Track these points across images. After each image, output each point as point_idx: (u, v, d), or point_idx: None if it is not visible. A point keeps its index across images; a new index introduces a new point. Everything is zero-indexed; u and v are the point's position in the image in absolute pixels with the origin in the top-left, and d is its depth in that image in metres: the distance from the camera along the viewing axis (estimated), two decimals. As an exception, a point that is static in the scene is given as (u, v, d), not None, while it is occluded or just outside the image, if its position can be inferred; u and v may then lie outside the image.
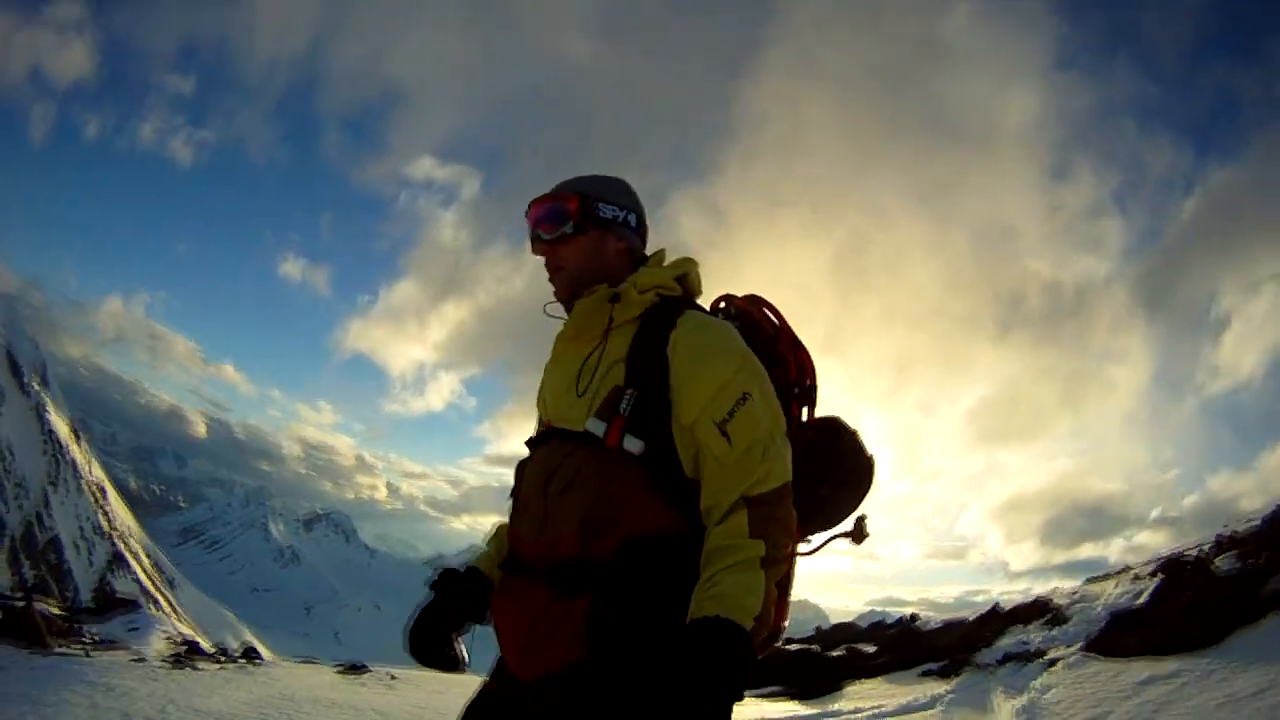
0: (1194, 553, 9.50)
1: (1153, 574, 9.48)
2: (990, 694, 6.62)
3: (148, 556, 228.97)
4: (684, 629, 1.64)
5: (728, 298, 2.21)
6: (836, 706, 7.76)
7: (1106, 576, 13.62)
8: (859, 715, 6.57)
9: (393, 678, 11.44)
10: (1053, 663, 7.01)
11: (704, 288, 2.13)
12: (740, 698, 1.63)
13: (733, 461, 1.78)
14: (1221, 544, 9.02)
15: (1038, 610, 9.76)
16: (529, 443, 2.07)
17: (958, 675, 7.70)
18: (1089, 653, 6.92)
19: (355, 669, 11.85)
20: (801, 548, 2.04)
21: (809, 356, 2.07)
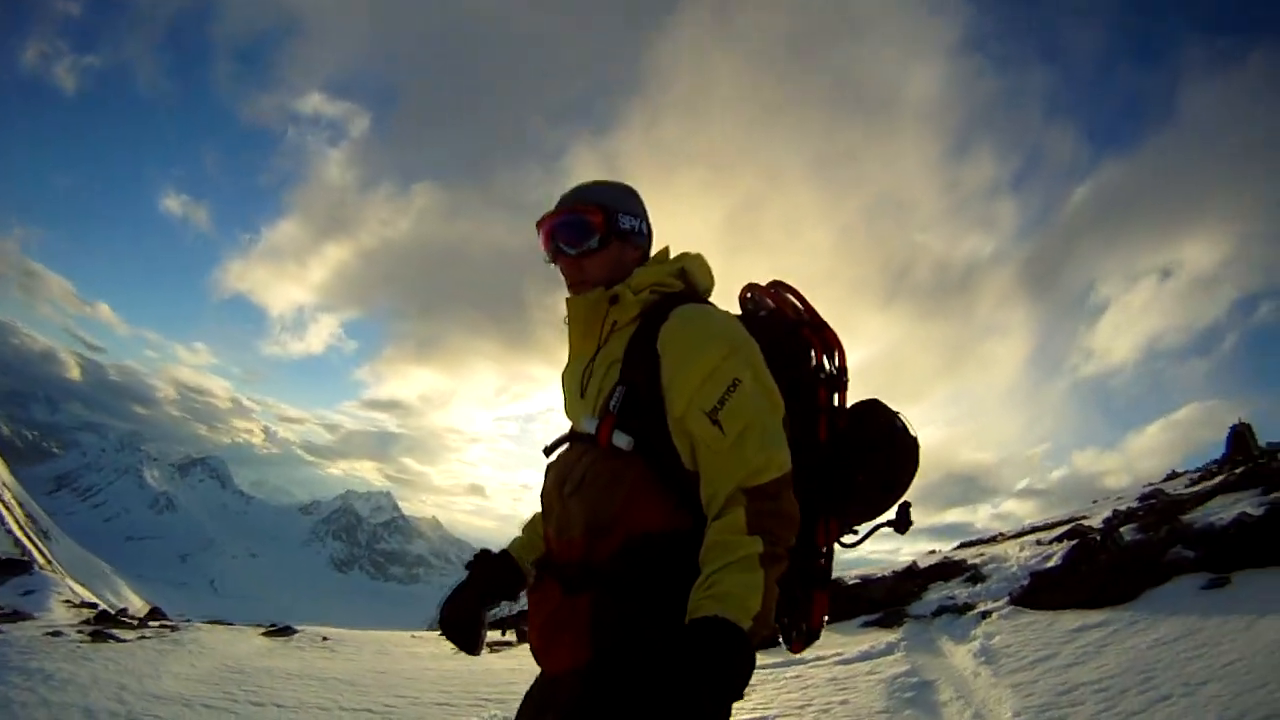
0: (1091, 523, 10.82)
1: (1057, 540, 10.74)
2: (937, 640, 7.45)
3: (21, 507, 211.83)
4: (683, 629, 1.64)
5: (752, 287, 2.21)
6: (799, 655, 8.51)
7: (994, 540, 15.08)
8: (823, 662, 7.24)
9: (324, 639, 11.32)
10: (985, 614, 7.91)
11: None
12: (739, 698, 1.61)
13: (726, 450, 1.77)
14: (1118, 517, 10.35)
15: (955, 569, 10.83)
16: (550, 449, 2.08)
17: (900, 625, 8.54)
18: (1018, 606, 7.88)
19: (282, 631, 11.65)
20: (846, 539, 2.06)
21: (837, 339, 2.04)
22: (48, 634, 9.11)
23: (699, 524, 1.78)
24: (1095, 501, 17.88)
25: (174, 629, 10.78)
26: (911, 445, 2.03)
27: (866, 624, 9.06)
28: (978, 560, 10.99)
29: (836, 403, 2.01)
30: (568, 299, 2.07)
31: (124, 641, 9.22)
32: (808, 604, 2.03)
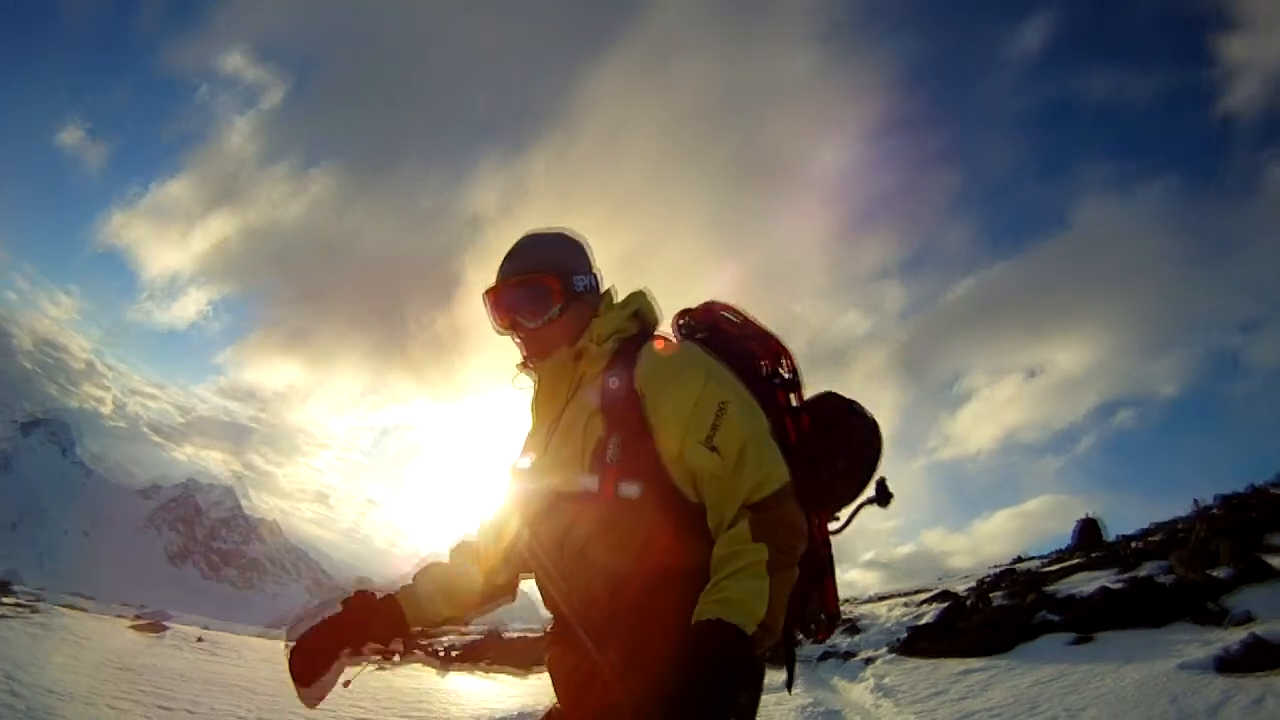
0: (961, 589, 11.73)
1: (926, 602, 11.56)
2: (830, 680, 7.88)
3: None
4: (688, 633, 1.66)
5: (685, 312, 2.21)
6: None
7: (865, 601, 15.94)
8: None
9: (199, 639, 10.70)
10: (870, 660, 8.45)
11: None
12: (738, 700, 1.63)
13: (728, 474, 1.79)
14: (984, 584, 11.28)
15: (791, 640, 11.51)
16: (529, 513, 2.01)
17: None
18: (899, 654, 8.46)
19: (153, 626, 10.89)
20: (832, 525, 2.09)
21: (780, 343, 2.07)
22: None
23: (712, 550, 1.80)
24: (940, 579, 19.13)
25: (33, 609, 9.89)
26: (872, 426, 2.08)
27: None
28: (852, 615, 11.64)
29: (796, 403, 2.04)
30: (536, 366, 2.03)
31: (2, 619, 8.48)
32: (821, 592, 2.05)
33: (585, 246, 2.14)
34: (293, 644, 1.97)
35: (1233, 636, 5.52)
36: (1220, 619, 6.57)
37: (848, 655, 9.05)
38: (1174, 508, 15.90)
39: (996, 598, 9.89)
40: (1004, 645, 7.71)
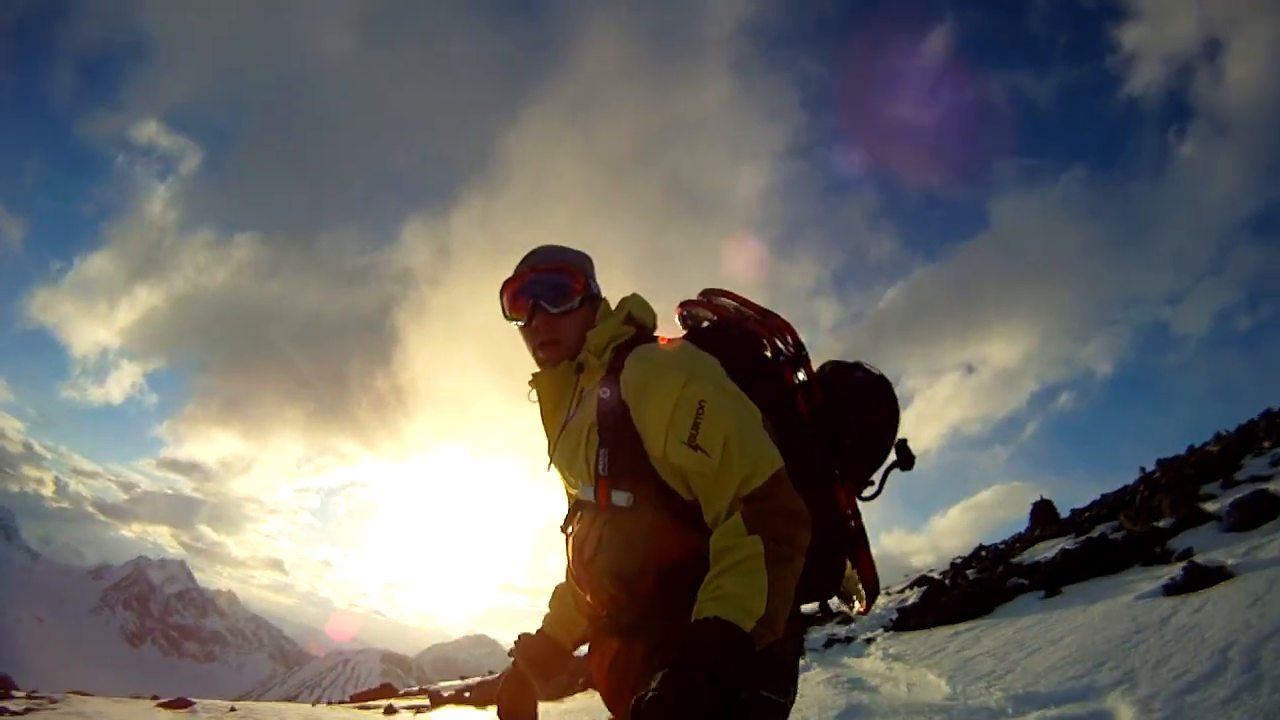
0: (935, 574, 12.70)
1: (906, 589, 12.48)
2: (840, 660, 8.66)
3: None
4: (684, 630, 1.71)
5: (685, 304, 2.24)
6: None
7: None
8: None
9: (232, 709, 10.62)
10: (870, 640, 9.28)
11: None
12: (736, 698, 1.66)
13: (715, 470, 1.85)
14: (958, 565, 12.26)
15: (826, 614, 12.26)
16: (565, 525, 2.07)
17: (801, 656, 9.75)
18: (895, 631, 9.32)
19: (182, 703, 10.58)
20: (866, 492, 2.06)
21: (782, 320, 2.07)
22: None
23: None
24: (906, 576, 20.03)
25: (51, 700, 9.50)
26: (881, 383, 2.05)
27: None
28: (840, 610, 12.50)
29: (804, 377, 2.04)
30: (538, 379, 2.08)
31: (17, 715, 8.13)
32: (858, 564, 2.04)
33: (593, 261, 2.19)
34: (499, 711, 2.11)
35: (1176, 569, 6.50)
36: (1166, 558, 7.61)
37: (848, 639, 9.84)
38: (1122, 479, 16.75)
39: (970, 575, 10.86)
40: (985, 609, 8.63)
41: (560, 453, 2.02)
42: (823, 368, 2.09)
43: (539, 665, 2.12)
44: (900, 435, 2.05)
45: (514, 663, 2.16)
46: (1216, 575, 6.03)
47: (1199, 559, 6.63)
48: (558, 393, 2.05)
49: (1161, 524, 8.97)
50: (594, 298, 2.09)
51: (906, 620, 9.45)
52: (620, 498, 1.89)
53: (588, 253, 2.17)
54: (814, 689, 6.93)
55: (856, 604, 2.08)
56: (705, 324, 2.17)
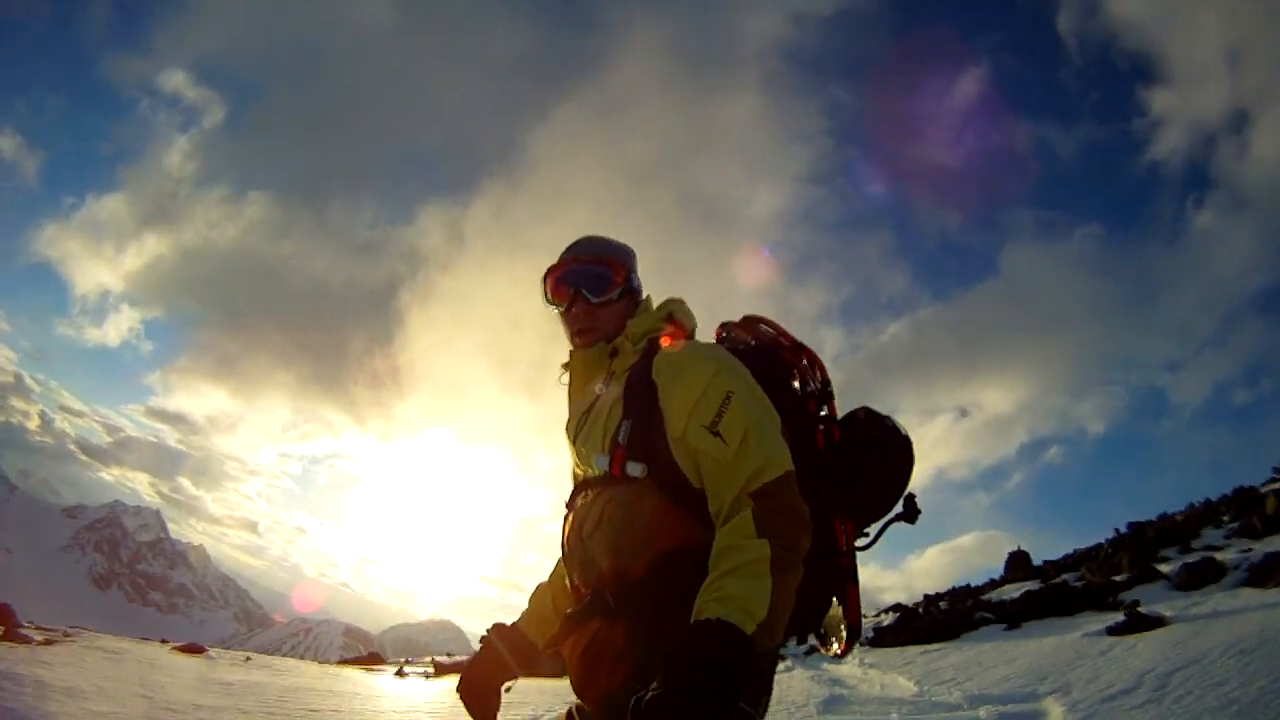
0: (910, 604, 13.77)
1: (882, 613, 13.51)
2: (819, 666, 9.69)
3: None
4: (685, 631, 1.70)
5: (726, 325, 2.27)
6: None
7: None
8: None
9: (248, 659, 10.85)
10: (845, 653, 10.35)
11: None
12: (737, 701, 1.64)
13: (730, 458, 1.85)
14: (930, 597, 13.30)
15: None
16: (569, 503, 2.09)
17: (782, 660, 10.76)
18: (870, 646, 10.35)
19: (195, 649, 10.72)
20: (860, 541, 2.05)
21: (815, 356, 2.10)
22: None
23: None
24: (877, 608, 20.98)
25: (66, 634, 9.48)
26: (904, 443, 2.06)
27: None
28: (814, 649, 13.53)
29: (827, 413, 2.05)
30: (572, 356, 2.15)
31: (40, 644, 8.00)
32: (845, 601, 2.03)
33: (636, 256, 2.25)
34: (461, 692, 2.15)
35: (1121, 615, 7.54)
36: (1116, 606, 8.65)
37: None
38: (1099, 536, 17.16)
39: (941, 605, 11.91)
40: (952, 634, 9.68)
41: (580, 428, 2.07)
42: (855, 412, 2.11)
43: (509, 655, 2.16)
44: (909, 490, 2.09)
45: (482, 649, 2.20)
46: (1154, 623, 7.07)
47: (1143, 609, 7.67)
48: (589, 371, 2.11)
49: (1119, 578, 10.03)
50: (634, 291, 2.16)
51: (882, 638, 10.48)
52: (635, 468, 1.92)
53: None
54: (799, 683, 7.96)
55: (835, 645, 2.07)
56: (740, 347, 2.18)
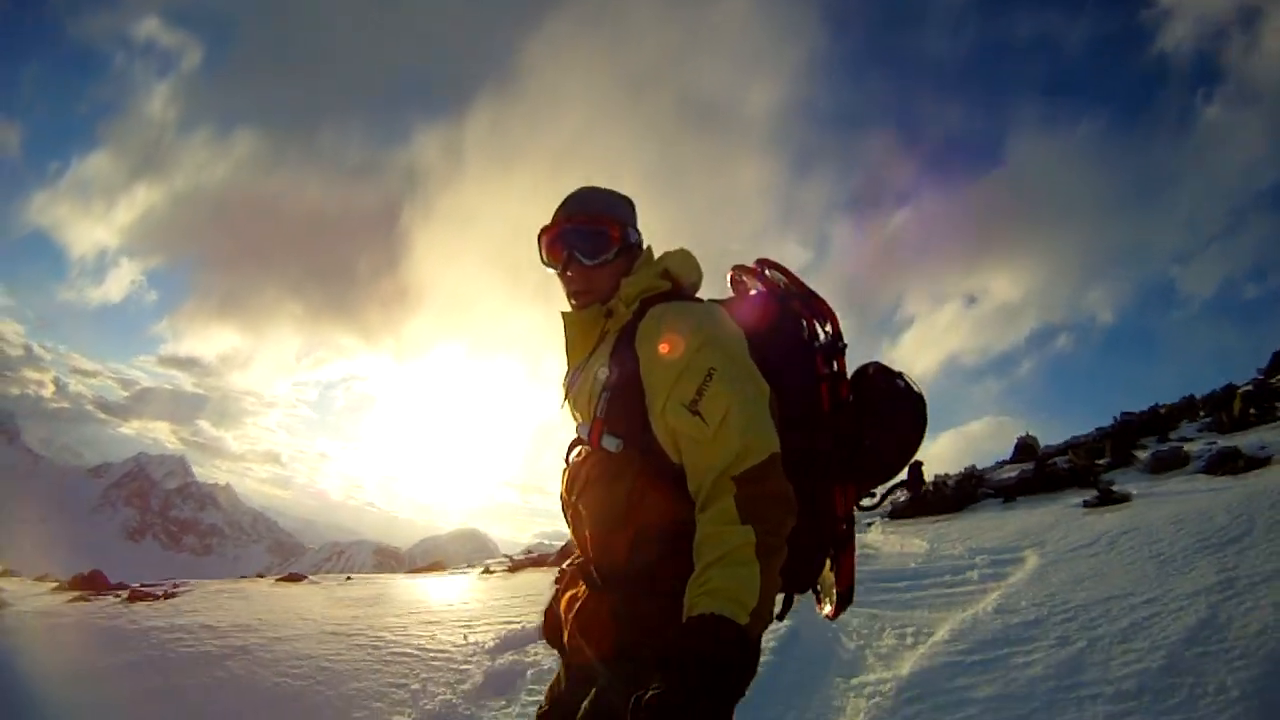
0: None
1: (899, 487, 15.55)
2: None
3: None
4: (678, 628, 1.62)
5: (739, 268, 2.22)
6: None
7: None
8: None
9: (348, 579, 11.31)
10: (871, 524, 12.35)
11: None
12: (740, 696, 1.59)
13: (709, 439, 1.76)
14: (941, 477, 15.32)
15: (787, 608, 15.45)
16: (568, 454, 2.10)
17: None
18: (889, 519, 12.38)
19: (294, 578, 10.92)
20: (864, 502, 2.07)
21: (826, 306, 2.03)
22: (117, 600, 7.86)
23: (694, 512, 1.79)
24: (894, 490, 23.11)
25: (175, 584, 9.58)
26: (917, 403, 2.02)
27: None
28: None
29: (836, 369, 2.00)
30: (564, 314, 2.11)
31: (158, 599, 8.24)
32: (837, 568, 2.05)
33: (633, 204, 2.16)
34: (545, 628, 2.25)
35: (1096, 493, 9.38)
36: (1095, 485, 10.52)
37: None
38: (1101, 423, 17.76)
39: (950, 485, 13.91)
40: (957, 508, 11.65)
41: (575, 386, 2.07)
42: (865, 367, 2.07)
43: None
44: (918, 458, 2.04)
45: (557, 586, 2.23)
46: (1120, 499, 8.91)
47: (1115, 489, 9.50)
48: (584, 332, 2.09)
49: (1101, 462, 11.89)
50: (632, 247, 2.10)
51: (899, 513, 12.49)
52: (610, 442, 1.89)
53: (625, 196, 2.15)
54: None
55: (827, 606, 2.09)
56: (753, 292, 2.16)
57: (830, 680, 4.61)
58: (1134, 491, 9.22)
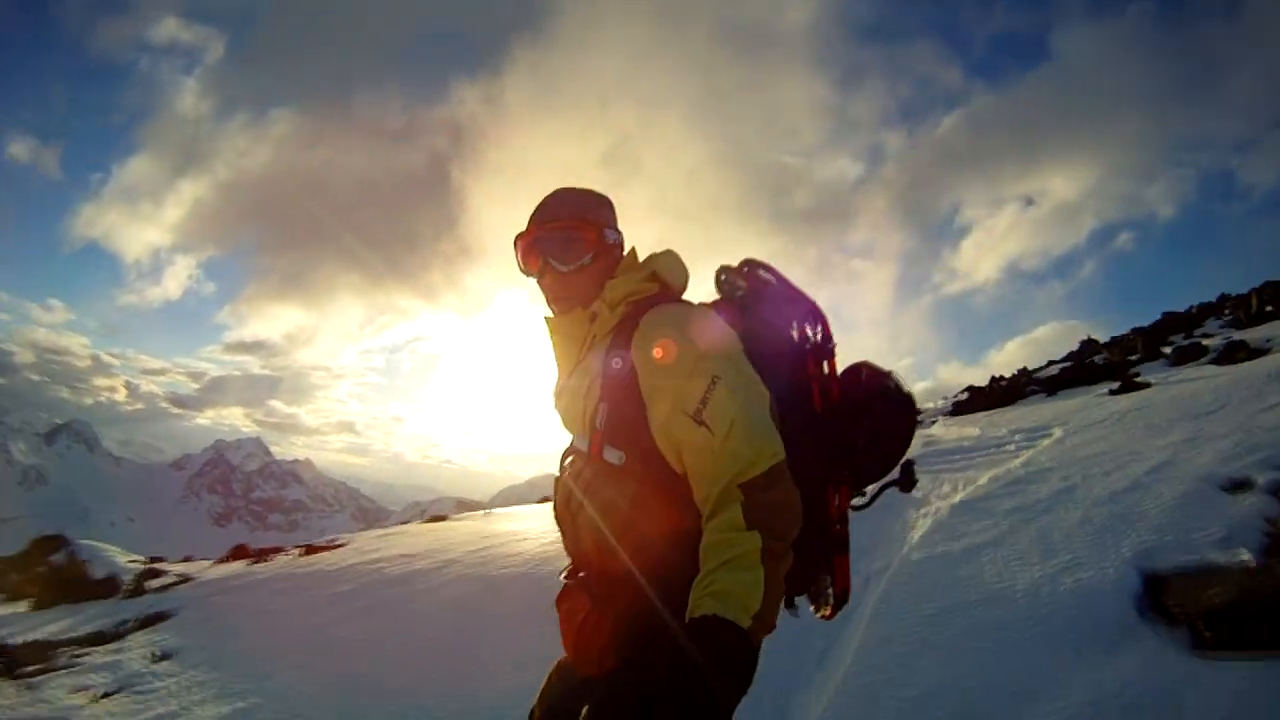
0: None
1: (962, 393, 17.72)
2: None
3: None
4: (681, 630, 1.63)
5: (725, 269, 2.20)
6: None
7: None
8: None
9: (487, 514, 12.41)
10: (934, 421, 14.61)
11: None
12: (740, 697, 1.59)
13: (717, 449, 1.75)
14: (993, 380, 17.40)
15: (788, 606, 17.82)
16: (560, 463, 2.12)
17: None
18: (949, 415, 14.61)
19: (439, 518, 12.35)
20: (856, 501, 2.10)
21: (817, 309, 2.03)
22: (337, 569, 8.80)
23: (699, 522, 1.78)
24: (957, 394, 25.25)
25: (342, 542, 11.19)
26: (906, 403, 2.06)
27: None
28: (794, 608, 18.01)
29: (827, 370, 2.01)
30: (548, 319, 2.09)
31: (340, 546, 10.01)
32: (832, 570, 2.06)
33: (611, 203, 2.13)
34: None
35: (1119, 383, 11.42)
36: (1122, 377, 12.53)
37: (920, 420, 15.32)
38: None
39: (1002, 385, 16.05)
40: (1008, 402, 13.86)
41: (564, 396, 2.06)
42: (855, 368, 2.09)
43: None
44: (908, 457, 2.08)
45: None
46: (1140, 387, 10.97)
47: (1138, 379, 11.52)
48: (569, 336, 2.06)
49: (1132, 358, 13.85)
50: (610, 248, 2.06)
51: (959, 410, 14.72)
52: (612, 455, 1.87)
53: (608, 196, 2.11)
54: None
55: (824, 608, 2.11)
56: (740, 293, 2.14)
57: (907, 510, 7.00)
58: (1152, 380, 11.23)
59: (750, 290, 2.12)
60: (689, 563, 1.72)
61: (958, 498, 6.88)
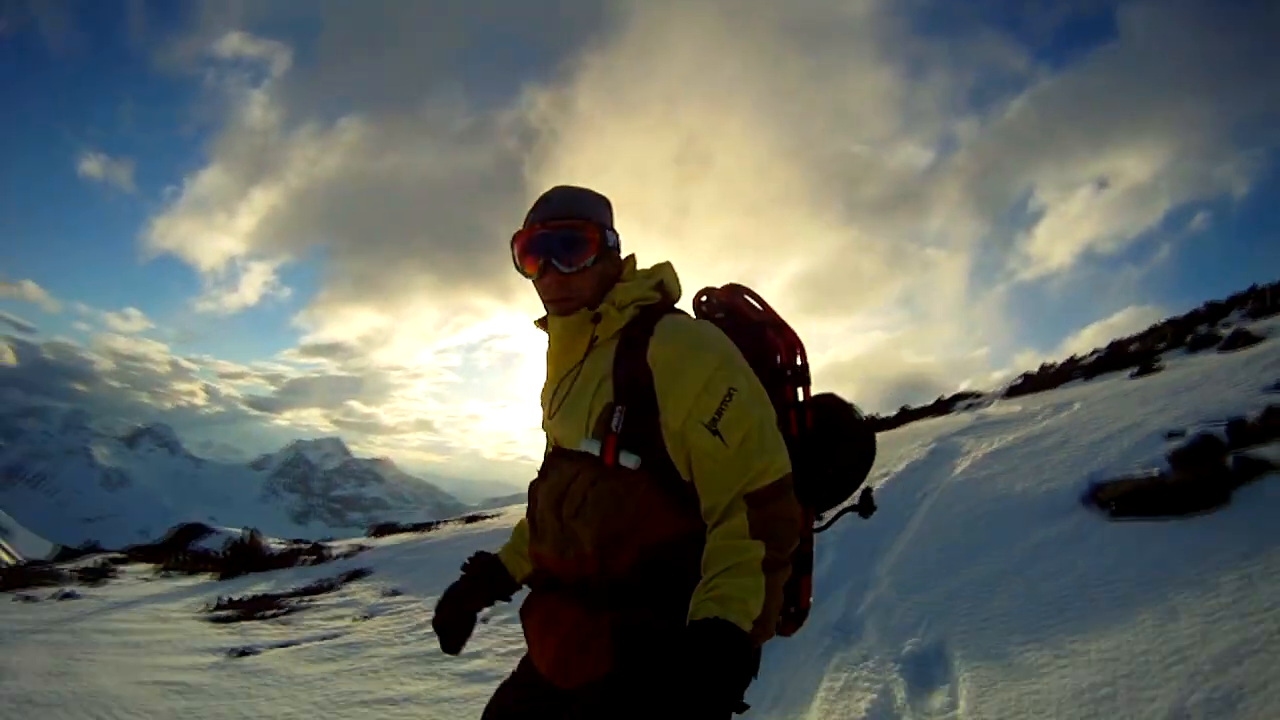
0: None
1: (1019, 379, 20.45)
2: (974, 410, 16.95)
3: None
4: (682, 631, 1.66)
5: (707, 290, 2.24)
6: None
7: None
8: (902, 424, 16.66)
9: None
10: (991, 402, 17.51)
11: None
12: (738, 700, 1.62)
13: (728, 458, 1.80)
14: (1043, 367, 20.04)
15: (960, 397, 20.51)
16: (542, 467, 2.11)
17: (948, 411, 18.10)
18: (1005, 397, 17.48)
19: (476, 518, 13.99)
20: (815, 524, 2.17)
21: (796, 336, 2.10)
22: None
23: (704, 529, 1.84)
24: (1016, 379, 27.62)
25: (374, 533, 14.24)
26: (870, 435, 2.14)
27: (923, 410, 18.56)
28: (965, 391, 20.67)
29: (802, 398, 2.08)
30: (550, 320, 2.07)
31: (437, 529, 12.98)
32: (796, 588, 2.11)
33: (610, 203, 2.13)
34: (434, 621, 2.20)
35: (1138, 368, 14.15)
36: (1149, 364, 15.21)
37: (978, 399, 18.12)
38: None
39: (1050, 371, 18.77)
40: (1054, 385, 16.54)
41: (561, 398, 2.04)
42: (822, 398, 2.17)
43: (486, 586, 2.24)
44: (866, 484, 2.19)
45: (462, 577, 2.24)
46: (1155, 371, 13.68)
47: (1157, 364, 14.20)
48: (569, 337, 2.04)
49: (1160, 345, 16.48)
50: (611, 250, 2.06)
51: (1012, 392, 17.57)
52: (629, 459, 1.88)
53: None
54: (957, 416, 15.22)
55: (784, 625, 2.14)
56: (719, 316, 2.18)
57: (956, 457, 10.17)
58: (1168, 365, 13.89)
59: (732, 314, 2.15)
60: (691, 568, 1.78)
61: (991, 448, 10.05)
